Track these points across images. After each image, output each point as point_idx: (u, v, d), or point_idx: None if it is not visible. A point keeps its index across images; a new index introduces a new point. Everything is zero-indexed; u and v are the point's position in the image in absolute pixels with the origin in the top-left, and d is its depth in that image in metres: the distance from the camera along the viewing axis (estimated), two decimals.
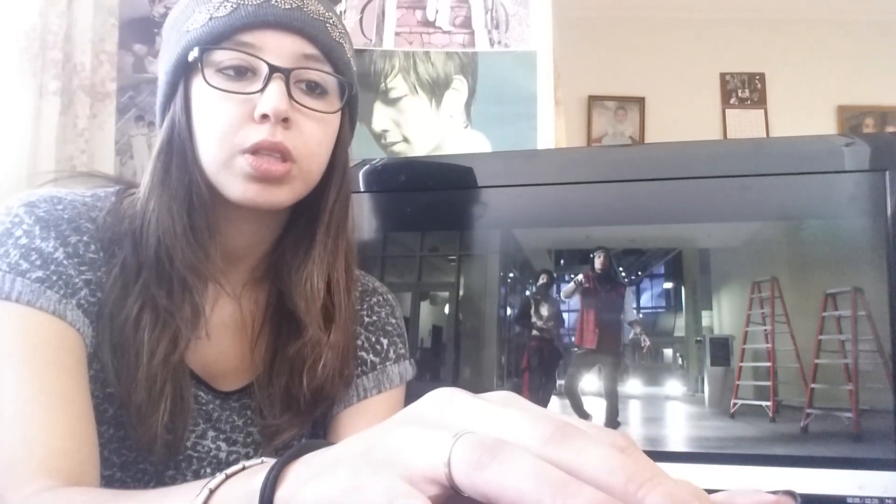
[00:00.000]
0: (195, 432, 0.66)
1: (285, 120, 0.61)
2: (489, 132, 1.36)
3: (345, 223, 0.69)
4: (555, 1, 1.39)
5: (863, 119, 3.21)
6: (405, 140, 1.36)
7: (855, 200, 0.83)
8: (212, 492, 0.36)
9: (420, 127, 1.37)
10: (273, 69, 0.61)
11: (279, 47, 0.62)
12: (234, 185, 0.61)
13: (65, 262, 0.59)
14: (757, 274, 0.88)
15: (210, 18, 0.61)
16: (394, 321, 0.78)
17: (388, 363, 0.74)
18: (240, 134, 0.61)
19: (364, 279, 0.79)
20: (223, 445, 0.67)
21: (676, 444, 0.90)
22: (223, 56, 0.61)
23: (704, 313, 0.89)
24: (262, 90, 0.60)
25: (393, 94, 1.38)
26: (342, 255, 0.68)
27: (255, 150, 0.60)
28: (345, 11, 1.39)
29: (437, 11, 1.39)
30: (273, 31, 0.62)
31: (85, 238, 0.61)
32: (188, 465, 0.65)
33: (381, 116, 1.37)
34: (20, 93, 1.18)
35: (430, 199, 1.01)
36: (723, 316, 0.89)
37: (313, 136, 0.63)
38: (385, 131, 1.36)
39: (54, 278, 0.58)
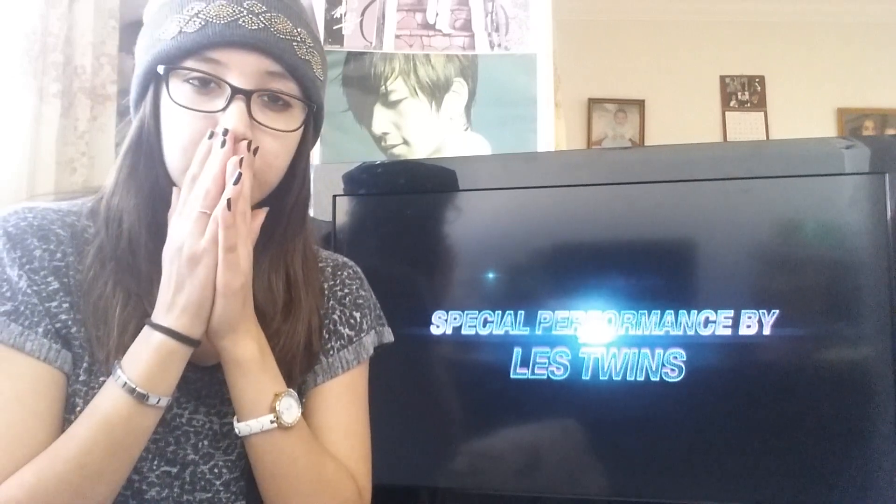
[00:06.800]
0: (188, 409, 0.70)
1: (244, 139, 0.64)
2: (489, 135, 1.36)
3: (302, 225, 0.74)
4: (555, 4, 1.40)
5: (863, 121, 3.22)
6: (405, 143, 1.36)
7: (855, 203, 0.83)
8: None
9: (420, 129, 1.37)
10: (235, 91, 0.63)
11: (244, 66, 0.64)
12: None
13: (28, 290, 0.63)
14: (756, 276, 0.88)
15: (180, 32, 0.64)
16: (364, 293, 0.82)
17: (363, 335, 0.79)
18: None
19: (331, 256, 0.83)
20: (215, 419, 0.72)
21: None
22: (189, 72, 0.65)
23: (703, 314, 0.89)
24: (223, 109, 0.63)
25: (393, 97, 1.38)
26: (300, 254, 0.74)
27: None
28: (345, 14, 1.39)
29: (437, 14, 1.39)
30: (239, 51, 0.64)
31: (51, 246, 0.65)
32: (186, 439, 0.70)
33: (382, 119, 1.38)
34: (21, 95, 1.18)
35: (430, 200, 1.01)
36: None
37: (271, 151, 0.66)
38: (385, 134, 1.37)
39: (22, 308, 0.63)
